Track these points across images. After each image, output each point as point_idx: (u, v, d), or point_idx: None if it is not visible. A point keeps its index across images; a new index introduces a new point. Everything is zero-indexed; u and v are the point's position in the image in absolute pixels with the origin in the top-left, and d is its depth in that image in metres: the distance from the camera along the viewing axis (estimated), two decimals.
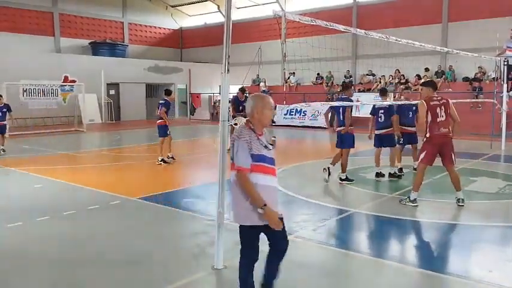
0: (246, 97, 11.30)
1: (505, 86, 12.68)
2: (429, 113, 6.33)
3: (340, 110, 7.96)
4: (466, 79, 19.46)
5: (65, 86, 22.28)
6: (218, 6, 28.24)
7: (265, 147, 3.21)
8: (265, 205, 3.09)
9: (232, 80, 4.96)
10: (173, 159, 10.65)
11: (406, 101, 9.07)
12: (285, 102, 21.90)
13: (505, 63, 12.38)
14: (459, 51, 11.23)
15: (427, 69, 20.37)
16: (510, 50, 12.51)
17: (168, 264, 4.56)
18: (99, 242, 5.23)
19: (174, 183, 8.93)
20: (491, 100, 13.74)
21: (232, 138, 3.18)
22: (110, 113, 24.27)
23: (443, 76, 20.24)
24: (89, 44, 26.94)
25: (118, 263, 4.57)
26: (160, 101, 10.67)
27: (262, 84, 25.71)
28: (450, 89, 19.01)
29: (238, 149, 3.11)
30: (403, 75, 20.92)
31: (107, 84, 24.06)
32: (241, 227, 3.35)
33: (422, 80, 19.94)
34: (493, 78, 16.48)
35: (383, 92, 9.40)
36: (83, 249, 4.96)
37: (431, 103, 6.34)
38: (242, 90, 11.95)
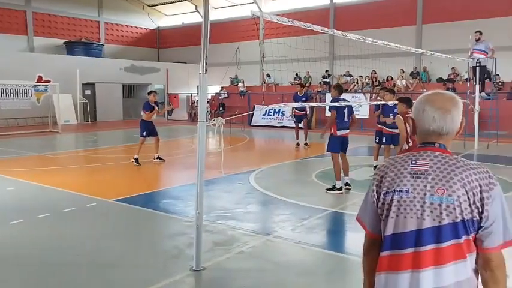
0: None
1: (477, 86, 12.99)
2: (407, 124, 6.73)
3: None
4: (440, 80, 19.87)
5: (39, 86, 21.79)
6: (196, 6, 28.07)
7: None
8: None
9: (210, 80, 4.94)
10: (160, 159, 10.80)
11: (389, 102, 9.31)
12: (263, 102, 21.93)
13: (478, 64, 12.68)
14: (433, 53, 11.46)
15: (402, 71, 20.73)
16: (476, 52, 12.81)
17: (146, 266, 4.51)
18: (75, 244, 5.13)
19: (152, 184, 8.84)
20: (464, 100, 14.05)
21: (490, 185, 1.64)
22: (85, 114, 23.86)
23: (418, 77, 20.64)
24: (64, 43, 26.42)
25: (95, 266, 4.49)
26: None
27: (240, 84, 25.69)
28: (425, 90, 19.33)
29: (506, 208, 1.66)
30: (375, 77, 21.26)
31: (83, 84, 23.61)
32: None
33: (397, 80, 20.32)
34: (466, 79, 16.86)
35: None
36: (58, 252, 4.86)
37: (407, 115, 6.75)
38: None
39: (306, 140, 13.48)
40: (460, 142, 13.19)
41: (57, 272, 4.34)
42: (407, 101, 7.23)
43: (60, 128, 18.75)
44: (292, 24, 5.63)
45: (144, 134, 10.50)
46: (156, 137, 10.70)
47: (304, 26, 5.71)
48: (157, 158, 10.71)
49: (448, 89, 18.75)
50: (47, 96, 21.69)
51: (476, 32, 12.88)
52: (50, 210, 6.44)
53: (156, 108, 10.75)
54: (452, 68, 19.48)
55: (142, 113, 10.70)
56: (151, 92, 11.00)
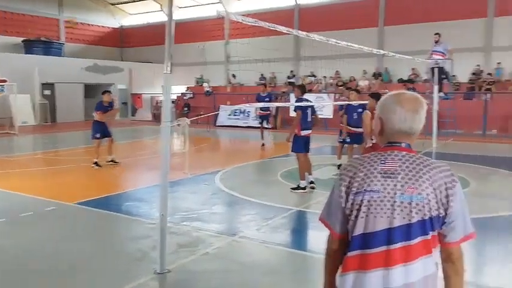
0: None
1: (435, 87, 13.39)
2: (372, 121, 6.69)
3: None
4: (401, 80, 20.41)
5: None
6: (161, 5, 27.70)
7: None
8: None
9: (175, 80, 4.88)
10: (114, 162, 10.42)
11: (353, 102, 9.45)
12: (228, 102, 21.92)
13: (436, 65, 13.08)
14: (394, 54, 11.75)
15: (365, 71, 21.19)
16: (435, 54, 13.23)
17: (109, 270, 4.41)
18: (34, 249, 4.95)
19: (114, 186, 8.64)
20: (427, 102, 14.43)
21: (453, 182, 1.71)
22: (45, 115, 23.09)
23: (380, 77, 21.14)
24: (22, 41, 25.46)
25: (55, 271, 4.35)
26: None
27: (205, 84, 25.55)
28: (387, 90, 19.82)
29: (465, 204, 1.74)
30: (338, 77, 21.66)
31: (42, 84, 22.89)
32: None
33: (360, 80, 20.74)
34: (425, 79, 17.37)
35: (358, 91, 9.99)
36: (16, 258, 4.67)
37: (375, 112, 6.69)
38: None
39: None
40: (419, 141, 13.56)
41: (15, 278, 4.18)
42: (378, 97, 7.25)
43: (17, 130, 18.06)
44: (257, 25, 5.63)
45: (98, 135, 10.12)
46: (110, 138, 10.35)
47: (269, 26, 5.73)
48: (110, 161, 10.31)
49: (408, 89, 19.20)
50: (4, 96, 20.80)
51: (435, 34, 13.29)
52: (5, 215, 6.19)
53: (113, 108, 10.47)
54: (413, 68, 20.06)
55: (94, 113, 10.39)
56: (105, 91, 10.68)
